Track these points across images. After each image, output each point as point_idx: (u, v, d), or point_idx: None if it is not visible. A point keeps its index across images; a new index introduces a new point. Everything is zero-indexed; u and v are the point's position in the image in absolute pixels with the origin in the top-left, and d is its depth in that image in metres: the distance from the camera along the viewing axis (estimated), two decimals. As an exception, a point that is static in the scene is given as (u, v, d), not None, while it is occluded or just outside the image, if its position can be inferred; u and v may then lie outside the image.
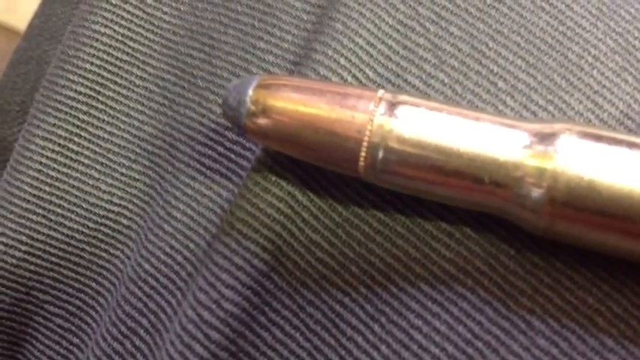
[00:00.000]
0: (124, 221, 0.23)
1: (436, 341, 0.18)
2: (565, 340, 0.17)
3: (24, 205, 0.23)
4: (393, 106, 0.17)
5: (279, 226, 0.19)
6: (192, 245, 0.21)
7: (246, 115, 0.18)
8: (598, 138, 0.16)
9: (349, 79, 0.20)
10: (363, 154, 0.17)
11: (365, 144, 0.17)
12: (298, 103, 0.18)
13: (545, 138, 0.17)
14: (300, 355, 0.19)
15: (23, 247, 0.23)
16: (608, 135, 0.17)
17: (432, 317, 0.18)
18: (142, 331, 0.21)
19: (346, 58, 0.20)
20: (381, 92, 0.18)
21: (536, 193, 0.16)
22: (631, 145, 0.16)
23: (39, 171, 0.23)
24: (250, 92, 0.18)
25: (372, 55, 0.20)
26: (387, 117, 0.17)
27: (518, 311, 0.18)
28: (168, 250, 0.21)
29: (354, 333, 0.19)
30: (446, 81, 0.20)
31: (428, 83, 0.20)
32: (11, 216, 0.23)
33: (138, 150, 0.23)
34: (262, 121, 0.18)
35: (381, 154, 0.17)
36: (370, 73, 0.20)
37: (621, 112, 0.19)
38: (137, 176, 0.23)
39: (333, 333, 0.19)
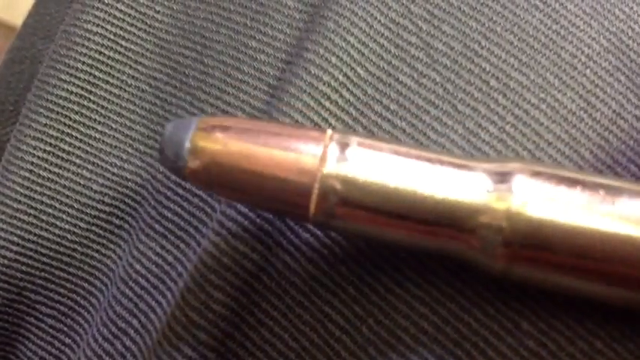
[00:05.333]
0: (116, 221, 0.23)
1: (424, 342, 0.18)
2: (554, 341, 0.17)
3: (15, 205, 0.23)
4: (342, 148, 0.17)
5: (269, 225, 0.19)
6: (182, 245, 0.21)
7: (186, 167, 0.17)
8: (550, 177, 0.16)
9: (340, 77, 0.20)
10: (313, 200, 0.16)
11: (315, 190, 0.16)
12: (242, 149, 0.17)
13: (499, 178, 0.16)
14: (288, 356, 0.19)
15: (14, 248, 0.23)
16: (560, 174, 0.16)
17: (420, 318, 0.18)
18: (132, 332, 0.21)
19: (338, 56, 0.20)
20: (329, 133, 0.17)
21: (491, 236, 0.16)
22: (583, 184, 0.16)
23: (30, 171, 0.23)
24: (188, 144, 0.17)
25: (363, 54, 0.20)
26: (336, 160, 0.16)
27: (506, 312, 0.18)
28: (158, 250, 0.21)
29: (342, 334, 0.19)
30: (438, 80, 0.20)
31: (420, 82, 0.20)
32: (2, 216, 0.23)
33: (130, 150, 0.23)
34: (204, 172, 0.17)
35: (332, 199, 0.16)
36: (362, 72, 0.20)
37: (614, 111, 0.19)
38: (129, 176, 0.23)
39: (321, 334, 0.19)
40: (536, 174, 0.16)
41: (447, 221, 0.16)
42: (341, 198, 0.16)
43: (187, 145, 0.17)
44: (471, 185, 0.16)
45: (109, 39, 0.23)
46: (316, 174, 0.16)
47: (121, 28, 0.24)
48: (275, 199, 0.17)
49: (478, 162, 0.17)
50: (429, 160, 0.17)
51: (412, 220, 0.16)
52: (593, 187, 0.16)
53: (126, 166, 0.23)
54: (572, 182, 0.16)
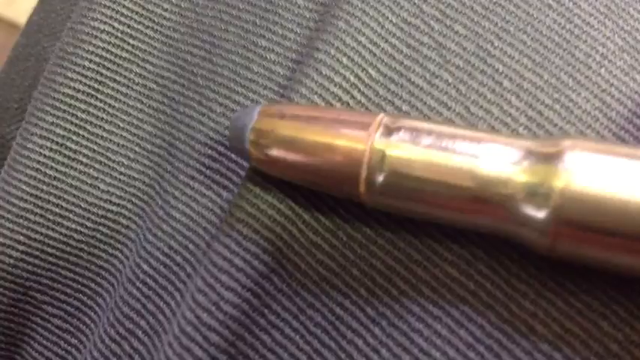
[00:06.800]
0: (123, 221, 0.23)
1: (437, 345, 0.18)
2: (568, 345, 0.17)
3: (21, 204, 0.23)
4: (391, 130, 0.17)
5: (280, 228, 0.19)
6: (191, 246, 0.21)
7: (249, 144, 0.19)
8: (605, 151, 0.16)
9: (352, 78, 0.20)
10: (363, 177, 0.17)
11: (364, 169, 0.17)
12: (299, 131, 0.18)
13: (549, 154, 0.16)
14: (299, 358, 0.19)
15: (21, 247, 0.23)
16: (614, 149, 0.16)
17: (434, 320, 0.18)
18: (140, 333, 0.21)
19: (349, 57, 0.20)
20: (380, 116, 0.18)
21: (540, 211, 0.16)
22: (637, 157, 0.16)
23: (37, 170, 0.23)
24: (253, 122, 0.19)
25: (375, 54, 0.20)
26: (385, 140, 0.17)
27: (520, 315, 0.17)
28: (166, 250, 0.21)
29: (354, 336, 0.18)
30: (450, 80, 0.20)
31: (432, 83, 0.20)
32: (8, 215, 0.23)
33: (137, 149, 0.23)
34: (264, 151, 0.19)
35: (380, 178, 0.17)
36: (373, 73, 0.20)
37: (630, 110, 0.19)
38: (136, 175, 0.23)
39: (333, 336, 0.19)
40: (588, 149, 0.16)
41: (497, 198, 0.16)
42: (388, 177, 0.17)
43: (252, 123, 0.19)
44: (520, 162, 0.16)
45: (117, 37, 0.23)
46: (365, 154, 0.17)
47: (129, 26, 0.23)
48: (328, 178, 0.18)
49: (527, 139, 0.17)
50: (478, 139, 0.17)
51: (460, 196, 0.17)
52: None
53: (133, 165, 0.23)
54: (627, 156, 0.16)
